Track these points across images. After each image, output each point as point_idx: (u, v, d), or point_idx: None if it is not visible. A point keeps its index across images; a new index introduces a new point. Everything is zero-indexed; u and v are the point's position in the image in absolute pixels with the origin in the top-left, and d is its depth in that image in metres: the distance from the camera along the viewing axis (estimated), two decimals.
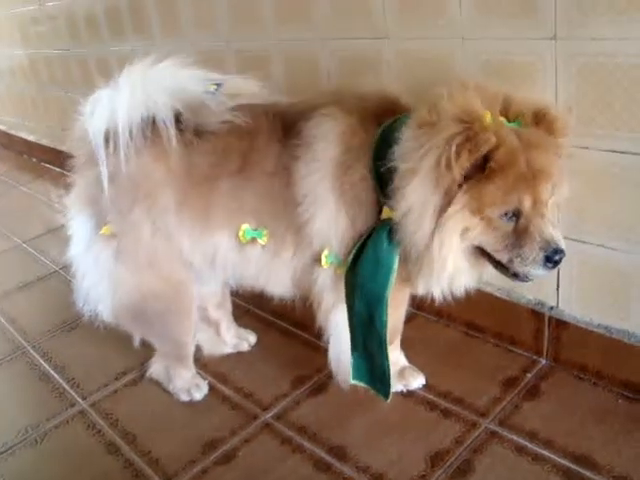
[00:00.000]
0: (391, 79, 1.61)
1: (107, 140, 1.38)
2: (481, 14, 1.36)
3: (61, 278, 2.51)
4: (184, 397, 1.71)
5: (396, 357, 1.60)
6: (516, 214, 1.15)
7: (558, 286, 1.50)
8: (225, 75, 1.47)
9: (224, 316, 1.87)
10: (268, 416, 1.59)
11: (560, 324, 1.52)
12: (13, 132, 4.40)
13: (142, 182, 1.43)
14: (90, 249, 1.52)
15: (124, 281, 1.52)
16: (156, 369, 1.76)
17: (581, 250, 1.41)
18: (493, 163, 1.11)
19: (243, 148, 1.38)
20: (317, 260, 1.36)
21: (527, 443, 1.37)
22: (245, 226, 1.40)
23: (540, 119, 1.15)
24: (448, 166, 1.09)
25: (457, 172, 1.09)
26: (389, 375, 1.39)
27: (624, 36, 1.16)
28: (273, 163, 1.35)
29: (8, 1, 3.44)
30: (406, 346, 1.66)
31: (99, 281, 1.54)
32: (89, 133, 1.39)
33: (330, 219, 1.31)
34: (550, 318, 1.54)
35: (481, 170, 1.12)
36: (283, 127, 1.36)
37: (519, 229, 1.16)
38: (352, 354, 1.42)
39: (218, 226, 1.43)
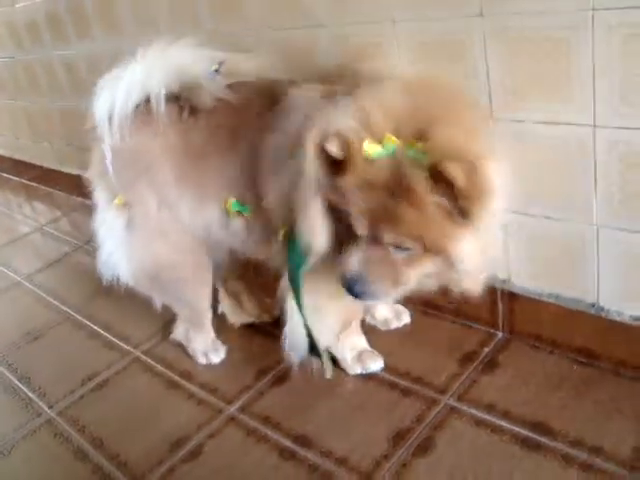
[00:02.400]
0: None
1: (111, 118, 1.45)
2: None
3: (24, 288, 2.49)
4: (201, 359, 1.80)
5: (354, 341, 1.62)
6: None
7: (508, 260, 1.52)
8: (229, 53, 1.51)
9: (244, 287, 1.91)
10: (233, 409, 1.60)
11: (513, 296, 1.55)
12: None
13: (143, 157, 1.51)
14: (106, 218, 1.60)
15: (137, 249, 1.60)
16: (178, 331, 1.85)
17: (526, 222, 1.43)
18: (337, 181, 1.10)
19: (233, 124, 1.43)
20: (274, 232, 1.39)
21: (485, 416, 1.40)
22: (232, 199, 1.45)
23: (437, 176, 1.02)
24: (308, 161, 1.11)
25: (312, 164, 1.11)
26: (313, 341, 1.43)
27: (545, 9, 1.17)
28: (256, 138, 1.37)
29: None
30: (365, 328, 1.68)
31: (116, 248, 1.61)
32: (96, 112, 1.46)
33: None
34: (503, 291, 1.56)
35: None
36: (271, 103, 1.36)
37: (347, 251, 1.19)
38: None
39: (211, 199, 1.49)
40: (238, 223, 1.49)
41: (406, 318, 1.76)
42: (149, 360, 1.86)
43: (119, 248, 1.61)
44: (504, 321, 1.59)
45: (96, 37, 2.41)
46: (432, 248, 1.11)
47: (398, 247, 1.12)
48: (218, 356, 1.80)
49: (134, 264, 1.61)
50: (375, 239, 1.13)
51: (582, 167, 1.28)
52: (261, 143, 1.35)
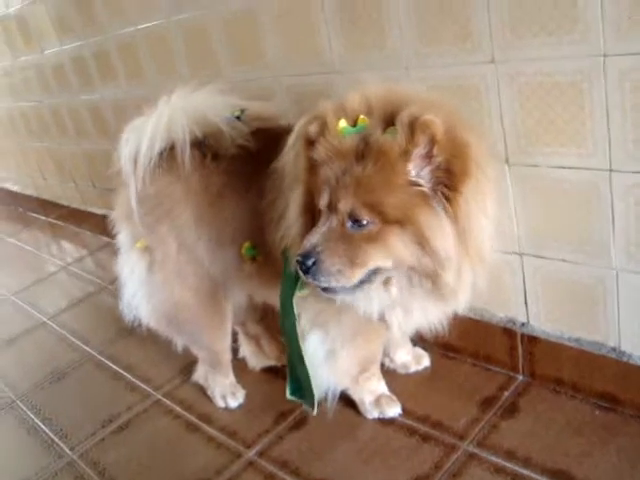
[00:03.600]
0: None
1: (136, 162, 1.49)
2: (422, 44, 1.38)
3: (49, 329, 2.52)
4: (220, 403, 1.80)
5: (374, 385, 1.61)
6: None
7: (526, 302, 1.51)
8: (251, 101, 1.56)
9: (263, 331, 1.92)
10: (251, 454, 1.60)
11: (532, 340, 1.53)
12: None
13: (165, 201, 1.54)
14: (128, 260, 1.64)
15: (157, 291, 1.62)
16: (198, 373, 1.85)
17: (542, 265, 1.43)
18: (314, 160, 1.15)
19: (249, 170, 1.46)
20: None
21: (505, 463, 1.37)
22: (247, 244, 1.49)
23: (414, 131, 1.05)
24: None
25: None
26: (310, 386, 1.42)
27: (556, 55, 1.18)
28: (266, 183, 1.40)
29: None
30: (384, 372, 1.67)
31: (137, 290, 1.64)
32: (121, 157, 1.50)
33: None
34: (522, 335, 1.55)
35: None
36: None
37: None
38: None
39: (227, 242, 1.52)
40: (252, 267, 1.51)
41: (426, 362, 1.74)
42: (169, 402, 1.87)
43: (140, 290, 1.64)
44: (524, 364, 1.58)
45: (120, 83, 2.47)
46: (393, 218, 1.08)
47: (356, 221, 1.10)
48: (236, 401, 1.80)
49: (153, 306, 1.64)
50: (334, 212, 1.12)
51: (598, 211, 1.28)
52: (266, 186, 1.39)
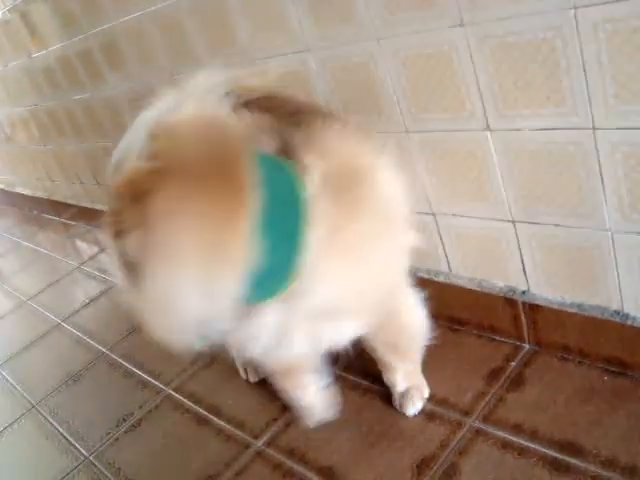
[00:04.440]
0: (322, 89, 1.59)
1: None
2: (390, 13, 1.33)
3: (64, 331, 2.54)
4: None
5: None
6: None
7: (524, 270, 1.46)
8: None
9: None
10: (259, 444, 1.59)
11: (534, 307, 1.48)
12: (9, 189, 4.49)
13: None
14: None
15: None
16: None
17: (536, 231, 1.37)
18: None
19: None
20: None
21: (512, 437, 1.34)
22: None
23: None
24: None
25: None
26: None
27: (526, 12, 1.12)
28: None
29: None
30: None
31: None
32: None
33: None
34: (524, 303, 1.50)
35: None
36: None
37: None
38: None
39: None
40: None
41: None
42: (179, 397, 1.87)
43: None
44: (529, 333, 1.53)
45: (108, 80, 2.45)
46: None
47: None
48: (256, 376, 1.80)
49: None
50: None
51: (587, 172, 1.22)
52: None
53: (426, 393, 1.53)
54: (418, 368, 1.54)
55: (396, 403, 1.52)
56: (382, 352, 1.48)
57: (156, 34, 2.04)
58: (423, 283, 1.65)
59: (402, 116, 1.46)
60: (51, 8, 2.46)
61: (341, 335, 1.25)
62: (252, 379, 1.80)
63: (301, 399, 1.52)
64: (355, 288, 1.12)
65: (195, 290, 0.92)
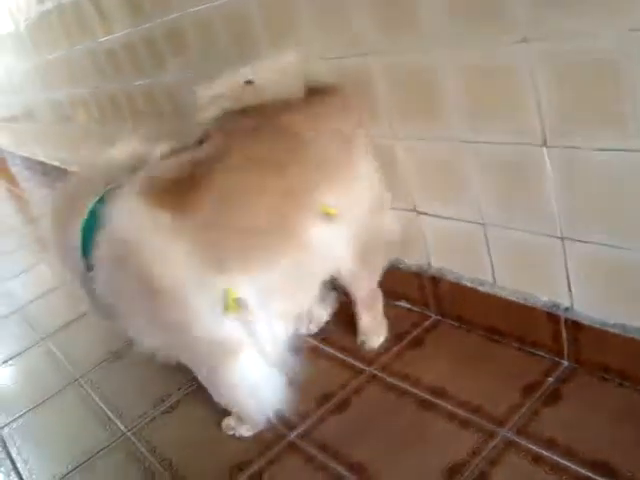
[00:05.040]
0: (382, 91, 1.61)
1: None
2: (454, 19, 1.34)
3: None
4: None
5: None
6: None
7: (570, 287, 1.46)
8: None
9: None
10: (293, 435, 1.62)
11: (576, 325, 1.48)
12: (65, 167, 4.60)
13: None
14: None
15: None
16: None
17: (585, 249, 1.37)
18: None
19: None
20: None
21: (545, 452, 1.34)
22: None
23: None
24: None
25: None
26: None
27: (593, 32, 1.12)
28: None
29: (51, 46, 3.61)
30: (429, 353, 1.69)
31: None
32: None
33: None
34: (566, 320, 1.50)
35: None
36: None
37: None
38: None
39: None
40: None
41: None
42: None
43: None
44: (569, 350, 1.53)
45: (169, 68, 2.51)
46: None
47: None
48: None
49: None
50: None
51: None
52: None
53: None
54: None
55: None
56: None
57: (221, 25, 2.08)
58: (465, 292, 1.68)
59: (459, 125, 1.47)
60: None
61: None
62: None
63: None
64: None
65: None
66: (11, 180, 6.20)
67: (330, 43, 1.69)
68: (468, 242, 1.64)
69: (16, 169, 6.53)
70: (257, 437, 1.65)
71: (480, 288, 1.68)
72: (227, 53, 2.13)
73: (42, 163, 5.31)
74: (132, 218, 1.33)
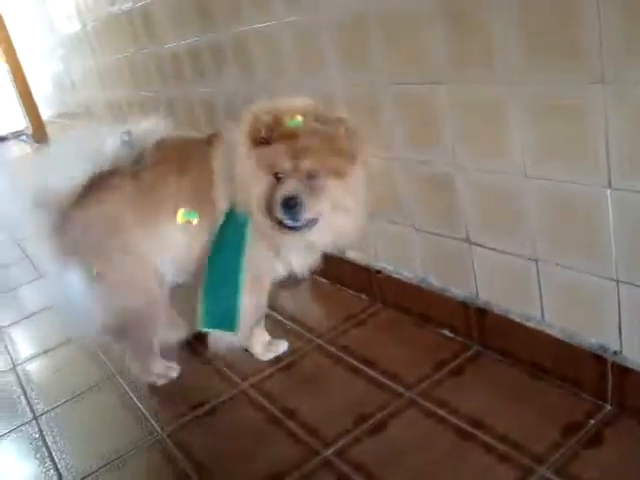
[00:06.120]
0: (449, 119, 1.63)
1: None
2: (530, 57, 1.36)
3: None
4: (162, 381, 2.09)
5: (263, 335, 2.12)
6: (279, 176, 1.63)
7: (620, 331, 1.46)
8: (130, 123, 1.87)
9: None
10: (329, 452, 1.63)
11: (623, 370, 1.47)
12: None
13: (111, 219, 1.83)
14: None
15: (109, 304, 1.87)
16: (134, 367, 2.10)
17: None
18: (269, 139, 1.62)
19: (177, 164, 1.86)
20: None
21: None
22: (181, 210, 1.83)
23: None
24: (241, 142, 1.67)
25: (244, 142, 1.66)
26: (238, 313, 1.83)
27: None
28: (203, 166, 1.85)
29: (116, 48, 3.70)
30: (469, 383, 1.69)
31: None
32: None
33: None
34: (613, 363, 1.49)
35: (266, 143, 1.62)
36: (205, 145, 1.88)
37: (278, 186, 1.63)
38: (203, 303, 1.85)
39: (162, 219, 1.85)
40: (184, 237, 1.86)
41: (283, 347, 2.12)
42: (255, 394, 1.93)
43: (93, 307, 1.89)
44: (614, 394, 1.52)
45: (231, 77, 2.56)
46: (334, 172, 1.63)
47: (311, 176, 1.62)
48: (175, 371, 2.12)
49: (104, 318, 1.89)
50: (295, 172, 1.61)
51: None
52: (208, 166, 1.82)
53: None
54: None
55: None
56: None
57: (288, 43, 2.12)
58: (511, 325, 1.67)
59: (523, 160, 1.48)
60: (193, 2, 2.59)
61: None
62: (174, 374, 2.12)
63: None
64: None
65: None
66: None
67: (400, 69, 1.71)
68: (519, 276, 1.64)
69: None
70: (292, 451, 1.66)
71: (527, 323, 1.68)
72: (291, 71, 2.17)
73: None
74: None
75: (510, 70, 1.41)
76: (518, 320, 1.71)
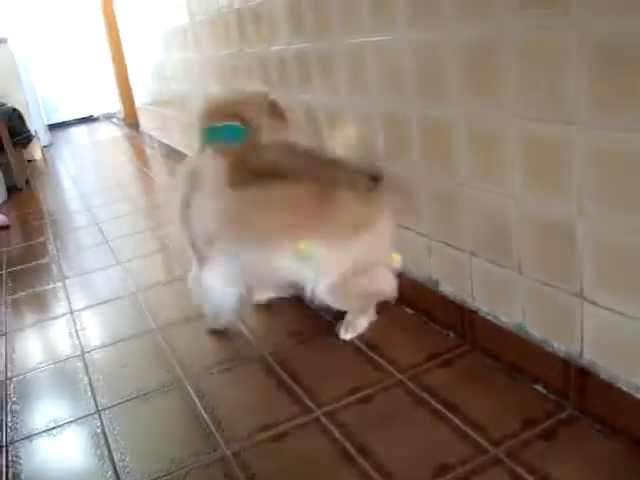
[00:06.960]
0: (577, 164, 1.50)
1: None
2: None
3: None
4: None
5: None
6: None
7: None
8: None
9: None
10: None
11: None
12: None
13: None
14: None
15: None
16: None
17: None
18: None
19: None
20: None
21: None
22: None
23: None
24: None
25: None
26: None
27: None
28: None
29: (221, 44, 3.69)
30: (560, 449, 1.55)
31: None
32: None
33: None
34: None
35: None
36: None
37: None
38: None
39: None
40: None
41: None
42: (329, 423, 1.83)
43: None
44: None
45: (339, 88, 2.47)
46: None
47: None
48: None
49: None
50: None
51: None
52: None
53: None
54: None
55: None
56: None
57: (408, 61, 2.01)
58: (617, 394, 1.54)
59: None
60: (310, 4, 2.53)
61: None
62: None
63: None
64: None
65: None
66: (144, 162, 6.42)
67: (531, 104, 1.58)
68: (636, 343, 1.49)
69: (151, 152, 6.77)
70: None
71: (636, 395, 1.53)
72: (406, 91, 2.06)
73: (178, 152, 5.46)
74: None
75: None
76: (625, 389, 1.55)
